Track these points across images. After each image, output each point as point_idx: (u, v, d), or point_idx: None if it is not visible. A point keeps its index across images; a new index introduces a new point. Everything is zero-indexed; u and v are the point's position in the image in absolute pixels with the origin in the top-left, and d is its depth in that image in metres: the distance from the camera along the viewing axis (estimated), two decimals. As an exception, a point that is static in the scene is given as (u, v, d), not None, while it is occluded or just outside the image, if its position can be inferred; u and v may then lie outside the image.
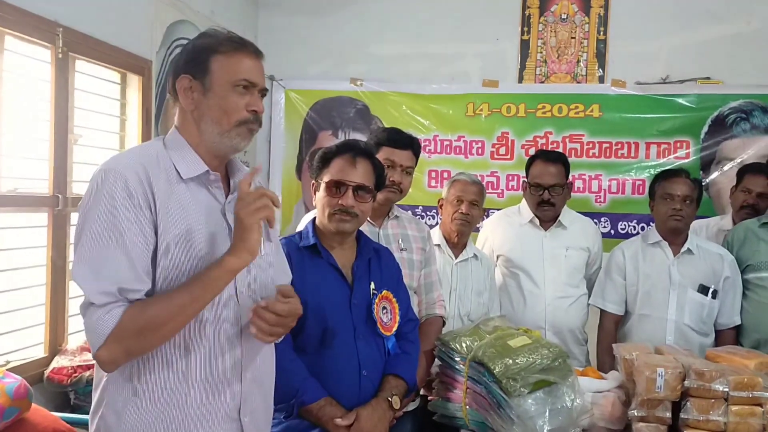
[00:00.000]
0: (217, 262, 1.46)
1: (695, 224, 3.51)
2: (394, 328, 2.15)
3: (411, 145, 2.56)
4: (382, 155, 2.48)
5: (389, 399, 2.06)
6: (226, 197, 1.61)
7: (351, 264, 2.14)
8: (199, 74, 1.54)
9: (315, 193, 2.16)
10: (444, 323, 2.66)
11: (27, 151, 2.66)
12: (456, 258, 2.97)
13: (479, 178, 3.15)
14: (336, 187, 2.07)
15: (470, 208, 2.90)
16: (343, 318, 2.04)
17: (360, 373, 2.04)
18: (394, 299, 2.16)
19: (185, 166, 1.54)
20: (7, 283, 2.55)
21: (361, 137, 4.09)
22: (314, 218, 2.19)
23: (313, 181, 2.17)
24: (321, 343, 2.02)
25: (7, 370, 2.23)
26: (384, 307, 2.12)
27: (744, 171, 3.47)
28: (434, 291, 2.65)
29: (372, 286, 2.12)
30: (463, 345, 2.23)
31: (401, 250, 2.53)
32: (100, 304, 1.40)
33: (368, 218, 2.50)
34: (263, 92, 1.61)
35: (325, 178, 2.10)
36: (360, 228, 2.40)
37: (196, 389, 1.52)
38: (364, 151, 2.14)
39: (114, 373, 1.49)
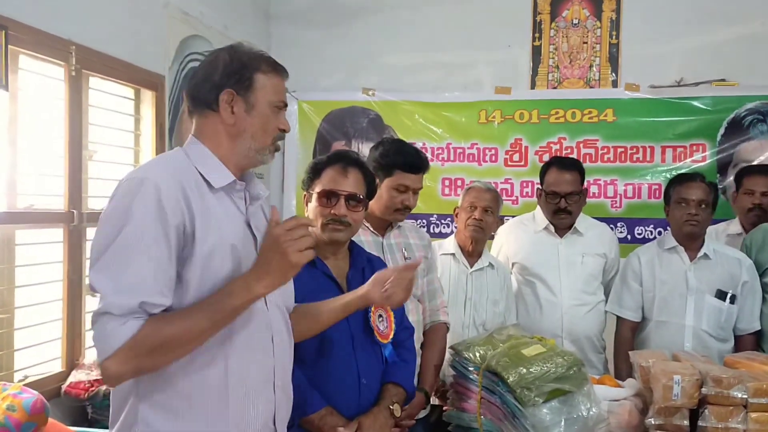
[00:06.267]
0: (241, 290, 1.44)
1: (705, 230, 3.47)
2: (391, 336, 2.15)
3: (424, 168, 2.54)
4: (394, 180, 2.46)
5: (390, 407, 2.06)
6: (246, 207, 1.63)
7: (345, 274, 2.14)
8: (242, 90, 1.56)
9: (307, 205, 2.17)
10: (447, 329, 2.66)
11: (42, 167, 2.69)
12: (471, 267, 2.96)
13: (493, 185, 3.15)
14: (328, 197, 2.09)
15: (483, 215, 2.90)
16: (341, 327, 2.02)
17: (359, 382, 2.04)
18: (389, 307, 2.15)
19: (216, 175, 1.55)
20: (24, 298, 2.58)
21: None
22: None
23: (305, 193, 2.19)
24: (319, 353, 2.02)
25: (25, 385, 2.24)
26: (380, 315, 2.11)
27: (741, 174, 3.44)
28: (437, 298, 2.65)
29: None
30: (477, 354, 2.21)
31: (405, 258, 2.53)
32: (118, 314, 1.37)
33: (371, 228, 2.51)
34: None
35: (317, 188, 2.12)
36: (363, 238, 2.41)
37: (234, 400, 1.50)
38: (355, 161, 2.16)
39: (144, 388, 1.46)
